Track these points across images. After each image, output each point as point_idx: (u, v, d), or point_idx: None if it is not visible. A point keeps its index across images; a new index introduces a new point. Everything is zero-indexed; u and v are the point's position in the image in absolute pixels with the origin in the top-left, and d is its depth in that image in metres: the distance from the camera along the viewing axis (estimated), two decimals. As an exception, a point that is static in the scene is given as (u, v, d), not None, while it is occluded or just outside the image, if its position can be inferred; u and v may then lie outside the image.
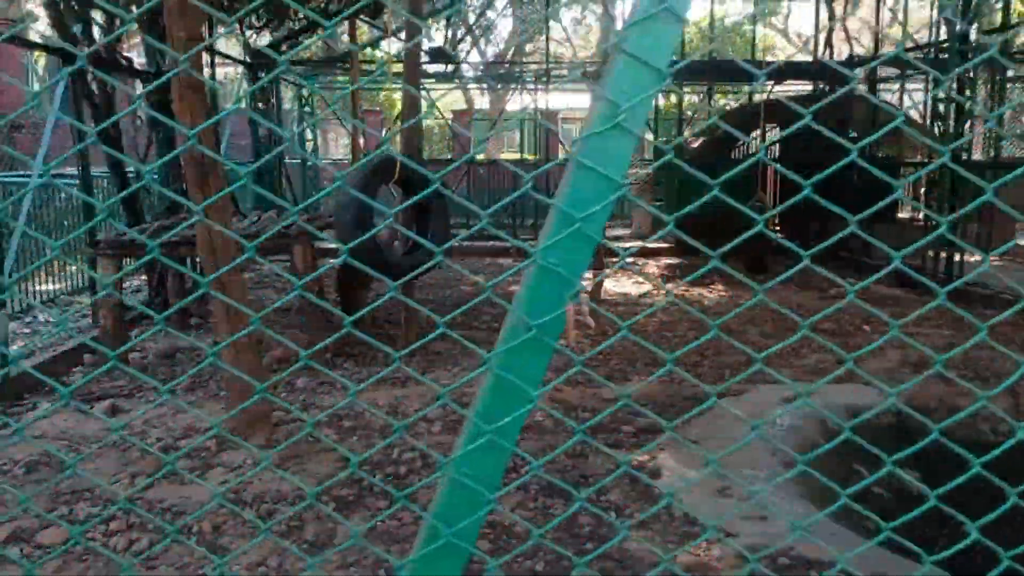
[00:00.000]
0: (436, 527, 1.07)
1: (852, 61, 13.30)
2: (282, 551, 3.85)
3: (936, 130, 10.15)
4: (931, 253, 10.16)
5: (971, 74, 9.55)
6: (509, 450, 1.08)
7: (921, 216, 12.06)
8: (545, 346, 1.06)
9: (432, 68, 16.20)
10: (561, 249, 1.03)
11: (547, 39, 16.11)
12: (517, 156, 21.49)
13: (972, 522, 1.29)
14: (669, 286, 11.07)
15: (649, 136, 17.79)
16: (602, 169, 1.01)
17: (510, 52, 23.60)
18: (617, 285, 10.87)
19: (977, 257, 10.77)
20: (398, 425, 1.16)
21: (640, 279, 11.33)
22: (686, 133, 16.47)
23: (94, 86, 7.63)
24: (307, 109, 17.79)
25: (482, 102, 26.13)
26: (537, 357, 1.06)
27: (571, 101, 23.90)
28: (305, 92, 17.21)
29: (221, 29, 9.65)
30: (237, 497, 4.36)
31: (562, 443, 5.15)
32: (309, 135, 18.19)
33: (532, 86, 17.22)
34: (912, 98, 14.80)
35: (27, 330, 8.02)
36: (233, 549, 3.88)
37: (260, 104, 14.78)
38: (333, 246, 11.52)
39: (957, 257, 10.03)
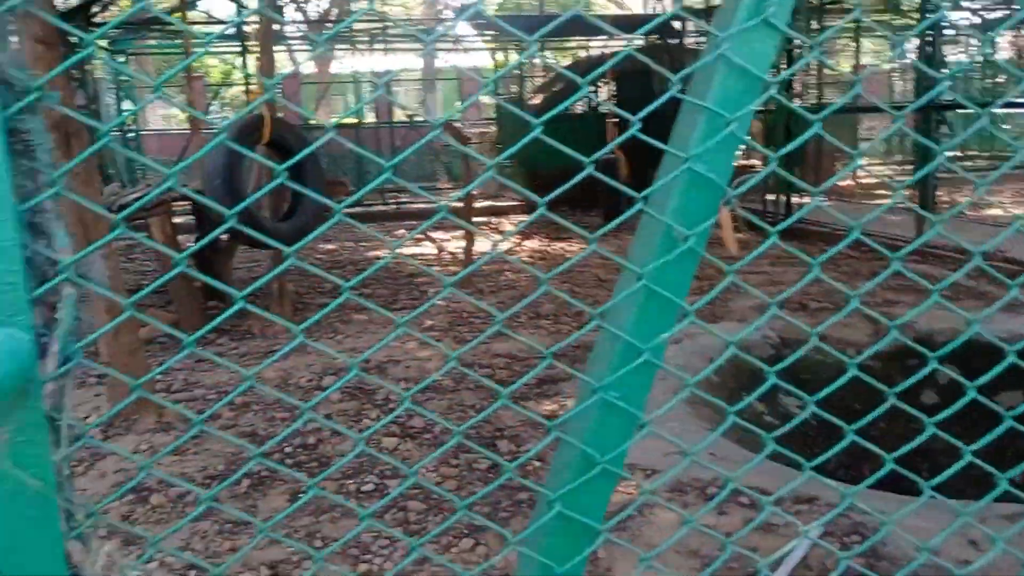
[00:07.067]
0: (589, 455, 1.02)
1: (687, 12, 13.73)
2: (204, 533, 3.64)
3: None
4: (771, 196, 10.76)
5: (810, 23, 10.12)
6: (658, 367, 1.04)
7: (757, 163, 12.74)
8: (695, 256, 1.02)
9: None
10: (711, 153, 0.99)
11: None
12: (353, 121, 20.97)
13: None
14: (528, 243, 11.18)
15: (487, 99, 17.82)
16: (750, 67, 0.97)
17: (335, 11, 22.90)
18: (478, 245, 10.87)
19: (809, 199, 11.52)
20: (305, 406, 1.09)
21: (498, 236, 11.37)
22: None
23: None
24: (123, 77, 16.62)
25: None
26: (688, 268, 1.02)
27: (402, 62, 23.49)
28: (120, 58, 16.04)
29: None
30: (138, 483, 4.06)
31: (466, 400, 5.13)
32: (127, 104, 17.00)
33: (364, 47, 16.81)
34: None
35: None
36: (150, 537, 3.61)
37: (72, 72, 13.65)
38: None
39: (795, 199, 10.68)
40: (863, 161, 16.54)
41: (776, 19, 0.97)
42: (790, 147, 1.19)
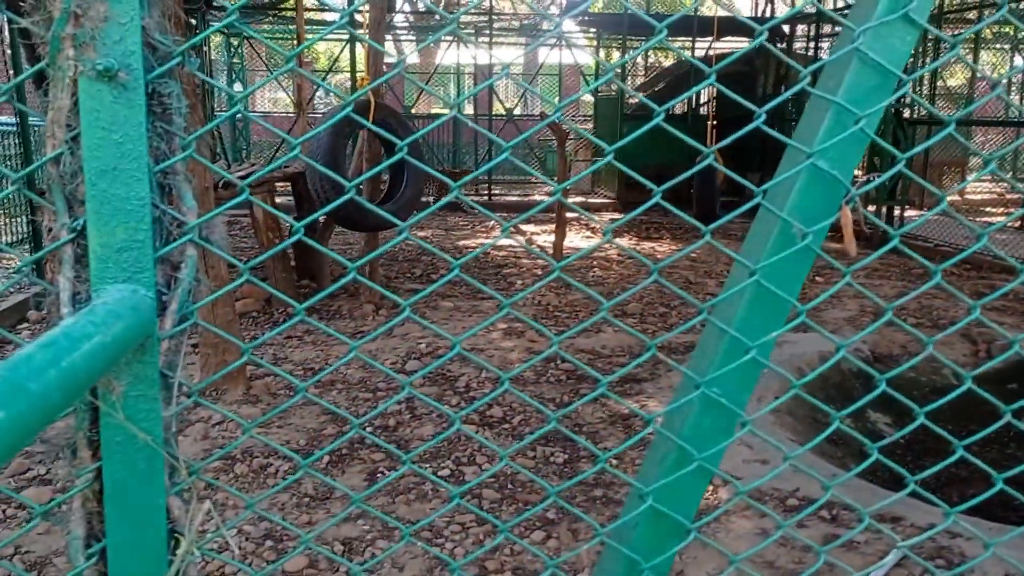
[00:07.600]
0: (686, 451, 1.00)
1: (797, 17, 13.43)
2: (283, 505, 3.73)
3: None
4: (873, 208, 10.44)
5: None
6: (764, 366, 1.01)
7: (856, 172, 12.36)
8: (811, 255, 0.99)
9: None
10: (836, 150, 0.96)
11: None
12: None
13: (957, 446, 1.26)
14: (618, 240, 11.09)
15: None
16: (885, 63, 0.93)
17: (442, 2, 23.11)
18: (567, 240, 10.84)
19: (910, 213, 11.14)
20: (405, 381, 1.10)
21: (588, 233, 11.34)
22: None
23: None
24: (235, 60, 17.18)
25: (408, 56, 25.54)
26: (803, 266, 0.99)
27: (508, 55, 23.57)
28: (234, 41, 16.57)
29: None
30: (224, 453, 4.19)
31: (546, 393, 5.13)
32: (238, 86, 17.53)
33: (470, 39, 16.90)
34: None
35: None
36: (229, 505, 3.74)
37: (190, 51, 14.11)
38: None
39: (897, 212, 10.33)
40: (972, 176, 15.87)
41: (918, 15, 0.93)
42: (919, 148, 1.15)
